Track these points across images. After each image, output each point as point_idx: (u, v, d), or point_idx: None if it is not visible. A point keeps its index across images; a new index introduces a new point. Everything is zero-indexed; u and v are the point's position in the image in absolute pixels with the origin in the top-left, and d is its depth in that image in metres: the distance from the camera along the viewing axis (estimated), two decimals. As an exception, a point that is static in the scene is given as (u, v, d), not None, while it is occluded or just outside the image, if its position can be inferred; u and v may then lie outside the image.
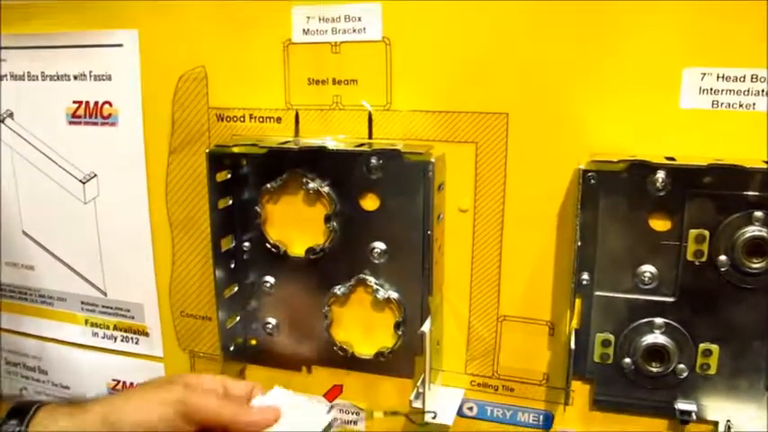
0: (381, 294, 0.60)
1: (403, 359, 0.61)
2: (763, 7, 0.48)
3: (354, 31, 0.58)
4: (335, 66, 0.59)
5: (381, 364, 0.62)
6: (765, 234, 0.51)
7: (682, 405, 0.56)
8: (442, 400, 0.60)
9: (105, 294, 0.71)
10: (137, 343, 0.72)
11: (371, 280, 0.61)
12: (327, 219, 0.60)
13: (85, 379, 0.75)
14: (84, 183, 0.69)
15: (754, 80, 0.50)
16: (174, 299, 0.70)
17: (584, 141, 0.54)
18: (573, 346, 0.54)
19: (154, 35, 0.64)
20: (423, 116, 0.58)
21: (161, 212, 0.68)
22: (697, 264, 0.53)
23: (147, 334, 0.71)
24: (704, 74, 0.51)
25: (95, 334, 0.73)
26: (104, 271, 0.71)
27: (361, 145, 0.58)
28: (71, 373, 0.76)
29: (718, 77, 0.51)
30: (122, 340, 0.72)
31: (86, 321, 0.73)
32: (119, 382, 0.74)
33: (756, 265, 0.52)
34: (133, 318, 0.71)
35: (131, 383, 0.73)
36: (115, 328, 0.72)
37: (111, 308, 0.72)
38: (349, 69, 0.59)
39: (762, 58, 0.49)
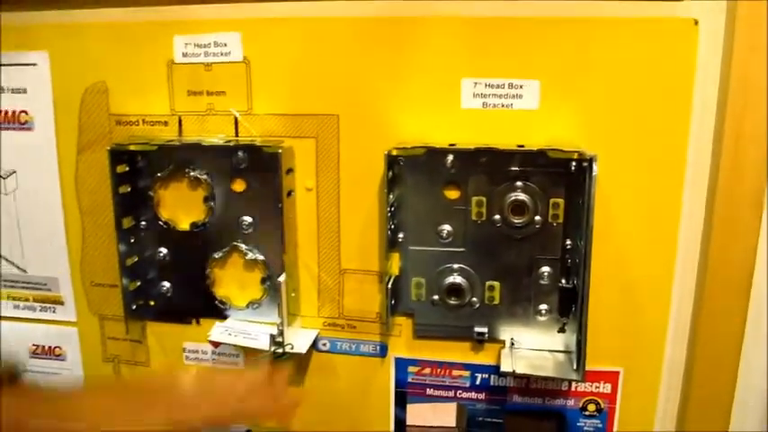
0: (250, 256, 0.70)
1: (269, 307, 0.72)
2: (513, 28, 0.60)
3: (222, 54, 0.67)
4: (209, 80, 0.68)
5: (254, 313, 0.73)
6: (524, 198, 0.63)
7: (478, 328, 0.67)
8: (300, 338, 0.70)
9: (25, 271, 0.80)
10: (54, 312, 0.81)
11: (242, 246, 0.71)
12: (206, 199, 0.70)
13: (10, 345, 0.83)
14: (4, 178, 0.77)
15: (511, 87, 0.62)
16: (84, 271, 0.77)
17: (393, 134, 0.64)
18: (389, 287, 0.64)
19: (62, 55, 0.72)
20: (276, 118, 0.68)
21: (72, 200, 0.75)
22: (479, 222, 0.65)
23: (62, 303, 0.80)
24: (476, 83, 0.63)
25: (16, 306, 0.81)
26: (24, 251, 0.79)
27: (230, 141, 0.68)
28: (-4, 341, 0.84)
29: (486, 85, 0.62)
30: (41, 310, 0.81)
31: (8, 296, 0.82)
32: (38, 346, 0.82)
33: (519, 221, 0.64)
34: (50, 290, 0.80)
35: (50, 347, 0.82)
36: (34, 299, 0.80)
37: (31, 283, 0.80)
38: (219, 83, 0.68)
39: (515, 71, 0.61)
